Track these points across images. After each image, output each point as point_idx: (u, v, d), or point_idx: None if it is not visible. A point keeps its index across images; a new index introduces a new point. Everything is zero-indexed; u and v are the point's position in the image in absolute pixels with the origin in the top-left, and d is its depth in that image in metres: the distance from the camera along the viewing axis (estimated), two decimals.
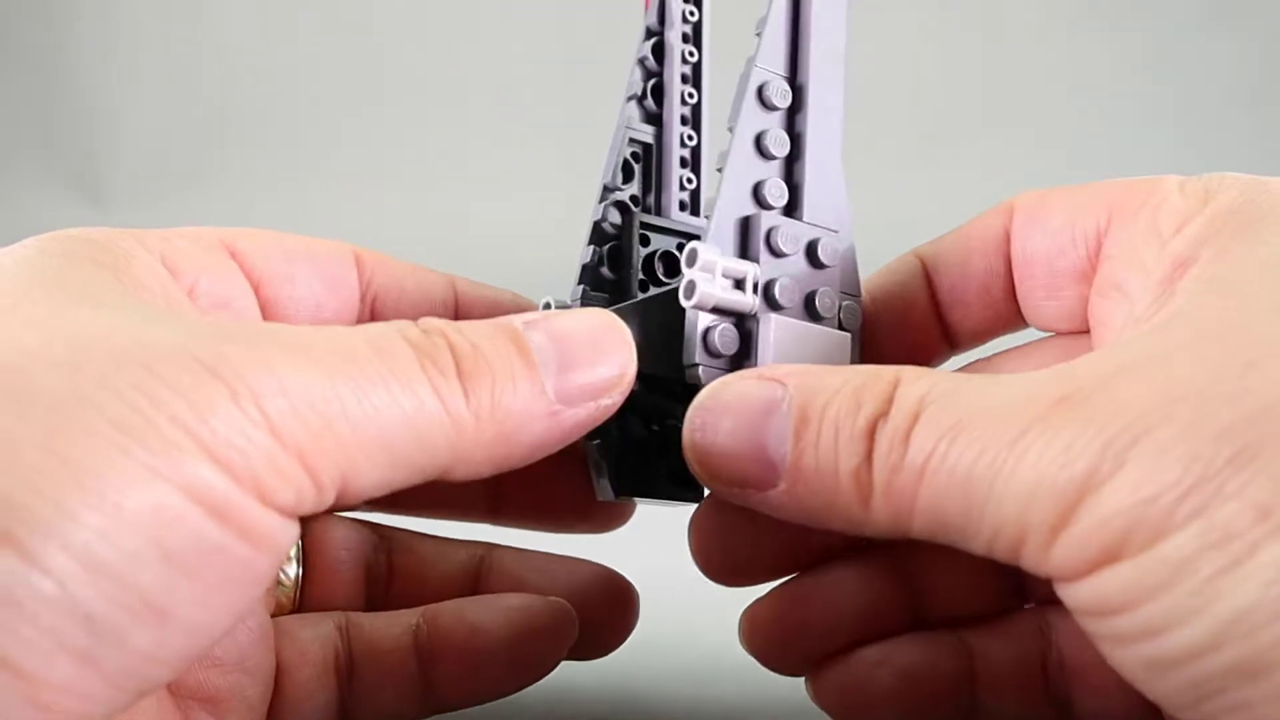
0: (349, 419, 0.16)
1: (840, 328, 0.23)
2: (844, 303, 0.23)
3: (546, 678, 0.25)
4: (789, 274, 0.22)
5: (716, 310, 0.21)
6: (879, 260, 0.26)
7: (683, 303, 0.21)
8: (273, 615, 0.25)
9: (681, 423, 0.21)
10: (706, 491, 0.24)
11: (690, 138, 0.26)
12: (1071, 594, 0.16)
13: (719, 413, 0.19)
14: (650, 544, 0.29)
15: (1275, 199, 0.19)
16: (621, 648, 0.27)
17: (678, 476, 0.24)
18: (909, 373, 0.18)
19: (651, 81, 0.26)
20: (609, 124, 0.25)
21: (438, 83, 0.85)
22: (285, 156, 0.84)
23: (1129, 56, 0.85)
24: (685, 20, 0.26)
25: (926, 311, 0.25)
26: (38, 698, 0.14)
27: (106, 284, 0.18)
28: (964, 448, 0.17)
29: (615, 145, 0.25)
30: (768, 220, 0.22)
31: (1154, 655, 0.15)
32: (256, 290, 0.23)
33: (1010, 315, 0.24)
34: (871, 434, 0.18)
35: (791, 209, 0.23)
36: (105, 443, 0.15)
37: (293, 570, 0.26)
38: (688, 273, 0.21)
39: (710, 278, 0.21)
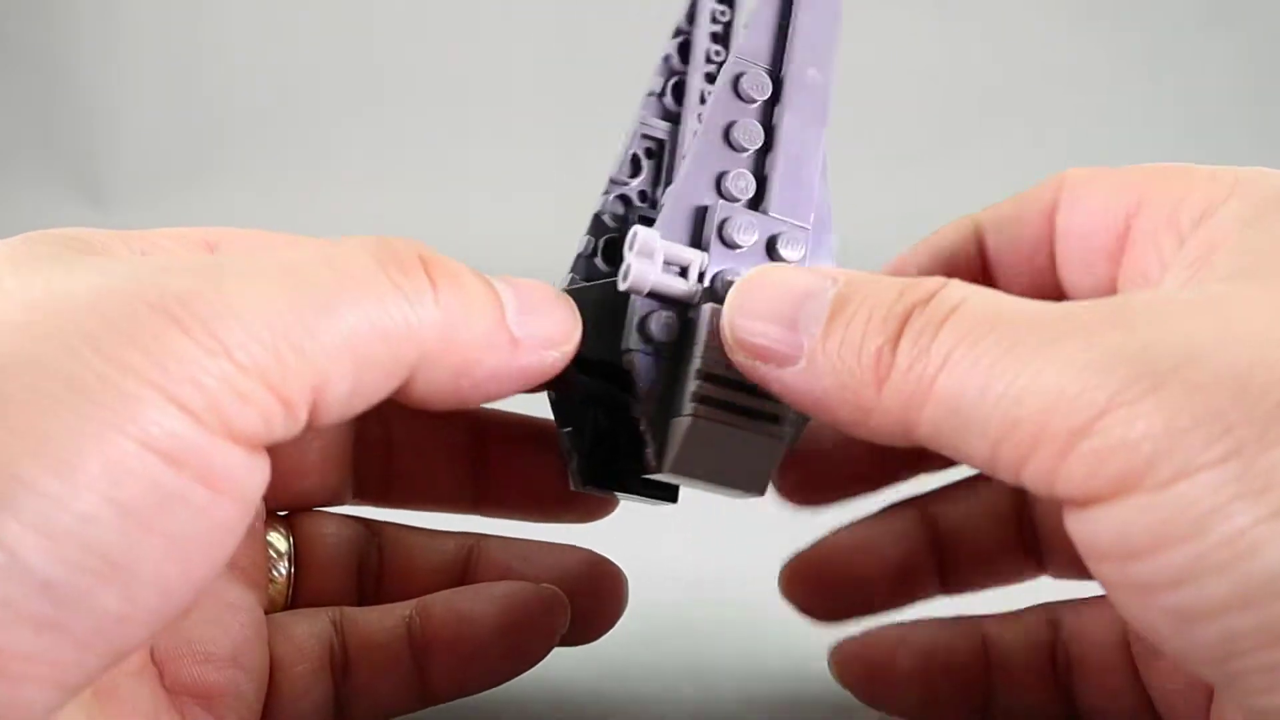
0: (308, 328, 0.16)
1: None
2: None
3: (539, 670, 0.25)
4: (741, 266, 0.21)
5: (657, 296, 0.21)
6: (881, 258, 0.26)
7: (620, 286, 0.21)
8: (266, 612, 0.25)
9: (633, 414, 0.21)
10: (679, 493, 0.24)
11: None
12: (1086, 525, 0.15)
13: (760, 286, 0.19)
14: (642, 534, 0.29)
15: None
16: (614, 638, 0.27)
17: (647, 475, 0.24)
18: (957, 280, 0.18)
19: (673, 80, 0.25)
20: (609, 124, 0.25)
21: (438, 83, 0.85)
22: (285, 157, 0.84)
23: (1130, 55, 0.85)
24: (715, 20, 0.25)
25: (975, 275, 0.24)
26: (3, 667, 0.14)
27: (68, 259, 0.18)
28: (997, 341, 0.16)
29: (627, 140, 0.25)
30: (723, 210, 0.21)
31: (1178, 607, 0.14)
32: None
33: (1052, 286, 0.24)
34: (905, 319, 0.17)
35: (758, 203, 0.22)
36: (55, 402, 0.14)
37: (284, 567, 0.26)
38: (627, 256, 0.21)
39: (648, 262, 0.21)
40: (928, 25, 0.84)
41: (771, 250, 0.22)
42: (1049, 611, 0.26)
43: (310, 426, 0.17)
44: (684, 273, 0.21)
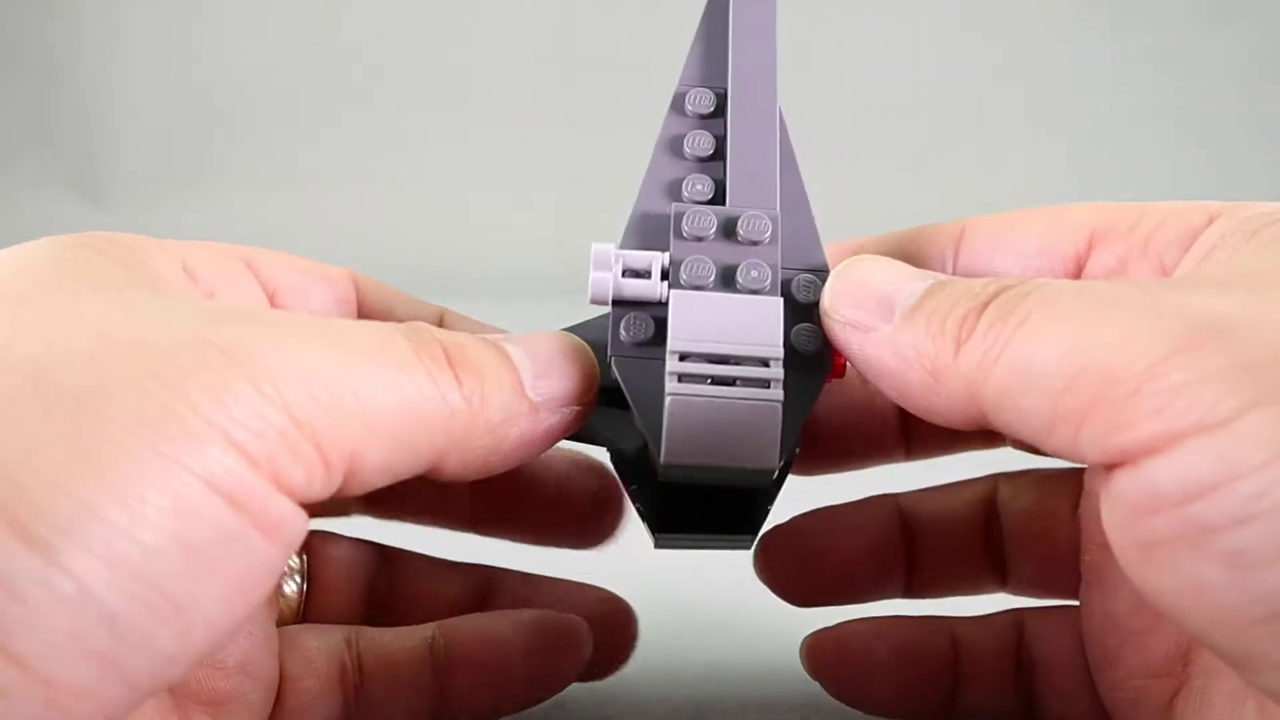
0: (357, 398, 0.17)
1: (793, 300, 0.22)
2: (798, 278, 0.22)
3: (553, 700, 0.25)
4: (702, 254, 0.22)
5: (627, 303, 0.21)
6: None
7: (588, 301, 0.21)
8: (276, 625, 0.25)
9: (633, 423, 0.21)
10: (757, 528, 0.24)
11: None
12: (1142, 478, 0.15)
13: (864, 266, 0.21)
14: (656, 561, 0.29)
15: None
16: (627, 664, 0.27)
17: (721, 509, 0.23)
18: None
19: None
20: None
21: (438, 83, 0.85)
22: (285, 157, 0.84)
23: (1132, 55, 0.85)
24: None
25: None
26: (57, 702, 0.14)
27: (121, 276, 0.18)
28: (1074, 301, 0.17)
29: None
30: (678, 208, 0.22)
31: (1239, 548, 0.14)
32: (271, 300, 0.23)
33: None
34: (994, 295, 0.18)
35: (717, 202, 0.23)
36: (127, 435, 0.15)
37: (296, 582, 0.26)
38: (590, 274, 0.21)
39: (605, 272, 0.21)
40: (927, 24, 0.84)
41: (730, 233, 0.22)
42: (1016, 615, 0.26)
43: (340, 493, 0.17)
44: (647, 275, 0.21)
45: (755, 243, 0.22)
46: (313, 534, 0.27)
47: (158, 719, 0.20)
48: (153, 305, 0.17)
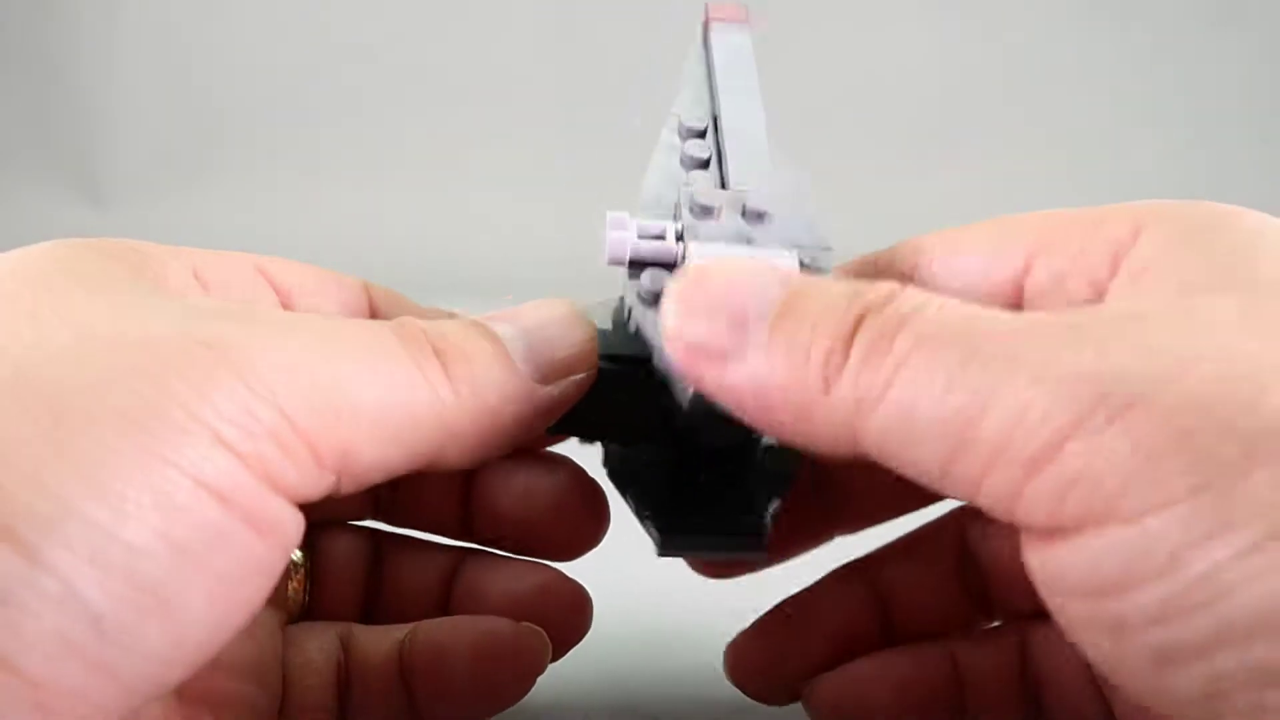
0: (346, 394, 0.16)
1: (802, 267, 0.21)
2: (805, 251, 0.21)
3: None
4: (714, 222, 0.21)
5: (643, 265, 0.21)
6: None
7: (605, 262, 0.21)
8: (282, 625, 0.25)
9: (676, 409, 0.20)
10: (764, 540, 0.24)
11: None
12: (1051, 560, 0.15)
13: (704, 281, 0.18)
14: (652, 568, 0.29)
15: (1215, 216, 0.18)
16: (617, 654, 0.27)
17: (722, 509, 0.23)
18: (912, 286, 0.17)
19: None
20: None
21: (438, 82, 0.85)
22: (286, 157, 0.84)
23: (1136, 56, 0.85)
24: None
25: None
26: (45, 704, 0.13)
27: (122, 276, 0.18)
28: (956, 351, 0.15)
29: None
30: (685, 190, 0.22)
31: (1159, 646, 0.14)
32: (284, 304, 0.23)
33: None
34: (858, 322, 0.16)
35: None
36: (110, 432, 0.14)
37: (300, 578, 0.26)
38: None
39: (623, 231, 0.21)
40: (930, 23, 0.84)
41: (743, 209, 0.21)
42: (1018, 631, 0.25)
43: (334, 491, 0.17)
44: (663, 238, 0.21)
45: (762, 216, 0.21)
46: (313, 527, 0.26)
47: None
48: (143, 302, 0.17)
